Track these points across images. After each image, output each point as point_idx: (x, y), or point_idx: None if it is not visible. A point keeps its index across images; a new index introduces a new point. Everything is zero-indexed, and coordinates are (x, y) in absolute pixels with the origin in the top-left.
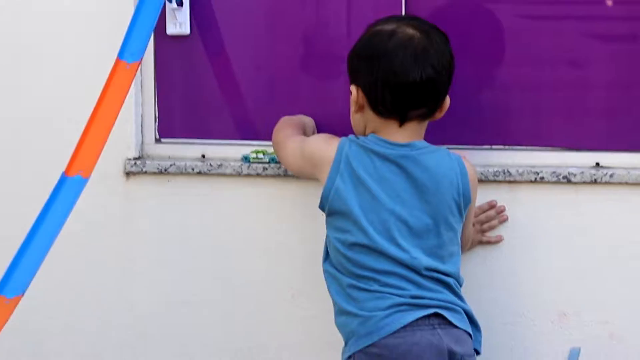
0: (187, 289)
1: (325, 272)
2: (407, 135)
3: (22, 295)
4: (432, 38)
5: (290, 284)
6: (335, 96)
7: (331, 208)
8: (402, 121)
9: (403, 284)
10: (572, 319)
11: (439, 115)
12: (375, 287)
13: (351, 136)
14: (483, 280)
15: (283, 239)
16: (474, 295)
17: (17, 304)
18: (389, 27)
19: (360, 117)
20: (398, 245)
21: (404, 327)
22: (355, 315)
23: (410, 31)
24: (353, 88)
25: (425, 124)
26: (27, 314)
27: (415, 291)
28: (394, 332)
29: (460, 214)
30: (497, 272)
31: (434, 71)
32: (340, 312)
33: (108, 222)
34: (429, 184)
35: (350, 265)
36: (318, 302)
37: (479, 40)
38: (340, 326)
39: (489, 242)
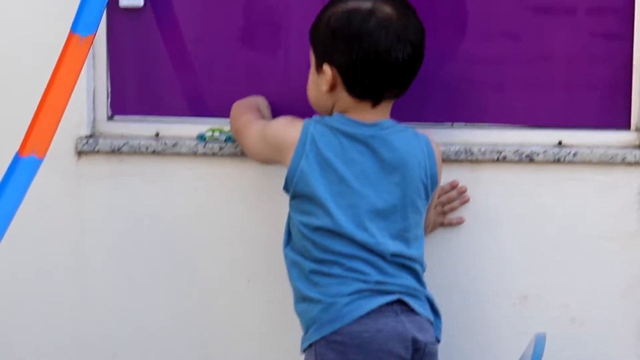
0: (139, 272)
1: (286, 257)
2: (377, 114)
3: None
4: (408, 15)
5: (246, 268)
6: (292, 68)
7: (296, 190)
8: (376, 102)
9: (367, 268)
10: (533, 302)
11: None
12: (339, 271)
13: (316, 117)
14: (444, 262)
15: (239, 221)
16: (435, 278)
17: None
18: (366, 5)
19: (329, 97)
20: (365, 229)
21: (368, 313)
22: (318, 301)
23: (388, 9)
24: (327, 67)
25: (392, 102)
26: None
27: (378, 277)
28: (357, 319)
29: (427, 197)
30: (458, 255)
31: (413, 50)
32: (301, 299)
33: (58, 203)
34: (397, 164)
35: (314, 249)
36: (275, 287)
37: (439, 14)
38: (300, 313)
39: (450, 224)
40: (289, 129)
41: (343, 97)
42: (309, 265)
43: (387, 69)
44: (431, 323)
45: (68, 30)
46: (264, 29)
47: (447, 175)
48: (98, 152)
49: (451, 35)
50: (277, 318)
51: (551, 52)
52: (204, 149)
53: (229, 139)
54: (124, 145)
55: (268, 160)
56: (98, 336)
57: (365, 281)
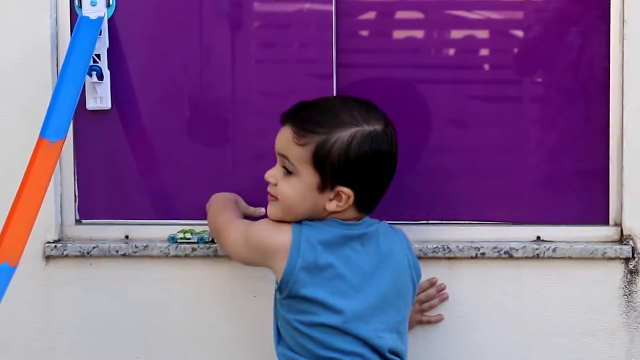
0: None
1: (282, 355)
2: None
3: None
4: None
5: None
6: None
7: (292, 293)
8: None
9: None
10: None
11: None
12: None
13: (304, 222)
14: None
15: (215, 322)
16: None
17: None
18: (378, 126)
19: (317, 208)
20: (367, 324)
21: None
22: None
23: (392, 129)
24: (345, 189)
25: None
26: None
27: None
28: None
29: (414, 288)
30: (437, 353)
31: None
32: None
33: (26, 310)
34: (388, 258)
35: (314, 346)
36: None
37: (412, 118)
38: None
39: (429, 322)
40: (276, 234)
41: (346, 210)
42: None
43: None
44: None
45: (38, 131)
46: (233, 129)
47: (425, 273)
48: (67, 256)
49: (431, 146)
50: None
51: (526, 146)
52: (175, 251)
53: (200, 240)
54: (93, 248)
55: (249, 262)
56: None
57: None
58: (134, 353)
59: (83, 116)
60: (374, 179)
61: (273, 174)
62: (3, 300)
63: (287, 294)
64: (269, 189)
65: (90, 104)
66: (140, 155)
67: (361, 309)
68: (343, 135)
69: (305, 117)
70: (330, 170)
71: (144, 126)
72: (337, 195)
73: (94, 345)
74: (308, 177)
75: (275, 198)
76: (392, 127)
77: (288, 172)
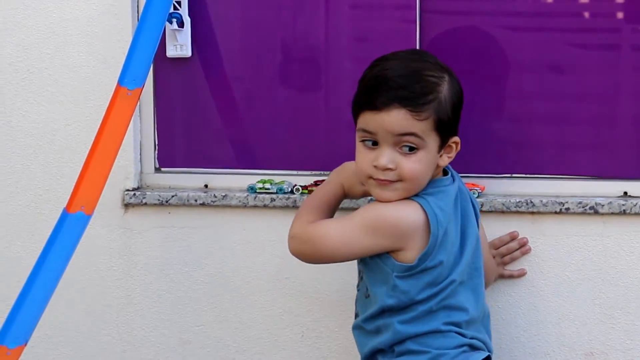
0: (189, 328)
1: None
2: None
3: (25, 344)
4: None
5: (299, 321)
6: (342, 108)
7: (428, 266)
8: None
9: (464, 325)
10: (600, 359)
11: None
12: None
13: (423, 193)
14: (506, 317)
15: (292, 273)
16: (497, 334)
17: (20, 354)
18: (446, 72)
19: (436, 166)
20: (474, 291)
21: None
22: (423, 352)
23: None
24: (458, 139)
25: None
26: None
27: (472, 333)
28: None
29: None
30: (520, 309)
31: None
32: (399, 353)
33: (105, 257)
34: (469, 209)
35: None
36: (330, 341)
37: (498, 63)
38: None
39: (511, 276)
40: (410, 212)
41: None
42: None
43: None
44: None
45: (116, 79)
46: (316, 75)
47: (508, 227)
48: (145, 204)
49: (512, 87)
50: None
51: (615, 103)
52: (254, 201)
53: (280, 191)
54: (172, 197)
55: (367, 252)
56: None
57: (464, 335)
58: (210, 303)
59: (163, 64)
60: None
61: (391, 159)
62: (82, 247)
63: (422, 268)
64: (384, 175)
65: (171, 52)
66: (220, 103)
67: (462, 269)
68: (443, 89)
69: (409, 93)
70: (448, 127)
71: (225, 74)
72: (448, 147)
73: (171, 294)
74: (433, 144)
75: (393, 181)
76: None
77: (410, 150)
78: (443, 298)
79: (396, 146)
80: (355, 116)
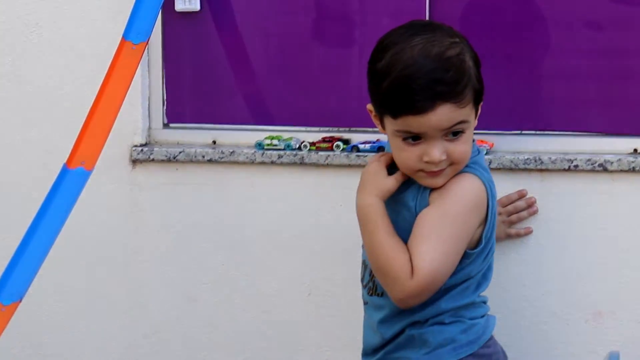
0: (196, 285)
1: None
2: None
3: (20, 301)
4: None
5: (306, 280)
6: (350, 64)
7: (490, 241)
8: None
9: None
10: (608, 318)
11: None
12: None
13: (477, 167)
14: (514, 276)
15: (299, 232)
16: (504, 293)
17: (14, 310)
18: (457, 37)
19: None
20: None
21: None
22: (455, 322)
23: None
24: (480, 104)
25: None
26: (25, 315)
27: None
28: (488, 340)
29: None
30: (528, 268)
31: None
32: (432, 323)
33: (113, 213)
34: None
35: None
36: (336, 299)
37: (510, 23)
38: (427, 333)
39: (518, 235)
40: (475, 183)
41: None
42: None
43: None
44: None
45: (121, 33)
46: (321, 28)
47: (516, 185)
48: (153, 160)
49: (521, 43)
50: (338, 332)
51: (627, 50)
52: (262, 157)
53: (287, 147)
54: (179, 153)
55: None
56: (149, 345)
57: (485, 302)
58: (218, 260)
59: (172, 18)
60: None
61: (442, 151)
62: (89, 203)
63: (485, 245)
64: (437, 167)
65: (179, 5)
66: (229, 58)
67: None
68: (468, 62)
69: (446, 86)
70: (480, 95)
71: (233, 28)
72: (475, 113)
73: (178, 251)
74: (473, 118)
75: (444, 168)
76: None
77: (454, 134)
78: (487, 270)
79: (444, 136)
80: (385, 116)
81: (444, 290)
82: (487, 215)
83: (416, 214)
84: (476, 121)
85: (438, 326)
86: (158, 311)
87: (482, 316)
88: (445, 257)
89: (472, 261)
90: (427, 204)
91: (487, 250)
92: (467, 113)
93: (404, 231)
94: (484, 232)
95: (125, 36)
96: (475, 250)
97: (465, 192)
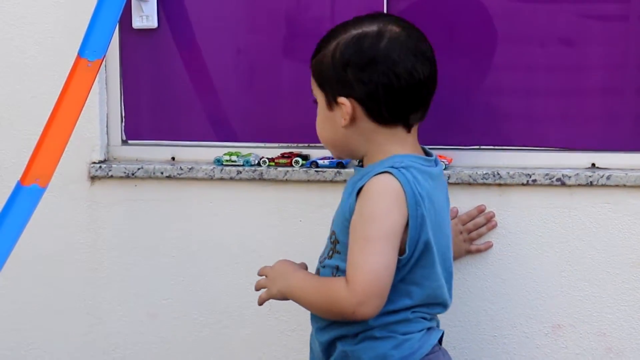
0: (156, 302)
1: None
2: (416, 142)
3: None
4: (417, 31)
5: None
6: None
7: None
8: (408, 126)
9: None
10: (567, 331)
11: None
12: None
13: (399, 171)
14: (473, 290)
15: (258, 246)
16: (464, 307)
17: None
18: (372, 27)
19: (347, 132)
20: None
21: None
22: (387, 337)
23: (395, 28)
24: (344, 99)
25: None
26: None
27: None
28: (428, 353)
29: None
30: (486, 281)
31: (431, 65)
32: (363, 339)
33: (71, 230)
34: (448, 203)
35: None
36: (298, 314)
37: (467, 35)
38: (359, 350)
39: (478, 251)
40: (397, 211)
41: (370, 128)
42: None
43: (411, 88)
44: None
45: (76, 50)
46: (284, 46)
47: (475, 200)
48: (112, 177)
49: (479, 57)
50: (299, 347)
51: (583, 74)
52: (220, 173)
53: (246, 163)
54: (138, 170)
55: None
56: None
57: (429, 320)
58: (177, 274)
59: (129, 35)
60: (369, 82)
61: None
62: (48, 221)
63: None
64: None
65: (137, 23)
66: (187, 75)
67: (446, 255)
68: (336, 43)
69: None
70: (324, 82)
71: (191, 45)
72: (339, 108)
73: (138, 268)
74: (319, 99)
75: None
76: (402, 28)
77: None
78: (421, 279)
79: None
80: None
81: None
82: (409, 217)
83: (349, 211)
84: (343, 118)
85: (369, 342)
86: (117, 328)
87: (420, 330)
88: (373, 256)
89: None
90: (353, 206)
91: (411, 258)
92: (318, 94)
93: (342, 213)
94: (408, 238)
95: (80, 53)
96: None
97: (379, 190)
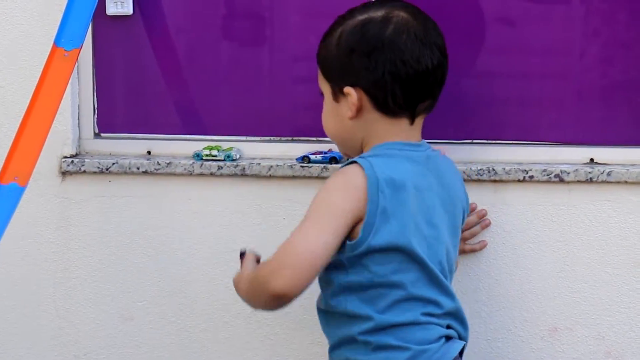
0: (130, 304)
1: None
2: (417, 134)
3: None
4: (426, 18)
5: None
6: (297, 75)
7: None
8: (413, 117)
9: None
10: (564, 334)
11: None
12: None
13: (369, 157)
14: (466, 292)
15: (238, 246)
16: None
17: None
18: (379, 13)
19: (355, 124)
20: (445, 273)
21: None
22: (401, 348)
23: (403, 14)
24: (350, 89)
25: (423, 119)
26: None
27: (449, 321)
28: None
29: (462, 223)
30: (481, 282)
31: (441, 54)
32: (374, 349)
33: (41, 227)
34: (449, 189)
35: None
36: (277, 317)
37: (461, 24)
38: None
39: (472, 251)
40: (342, 192)
41: (375, 119)
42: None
43: (418, 77)
44: None
45: (52, 39)
46: (267, 35)
47: (469, 196)
48: (84, 172)
49: (474, 48)
50: (281, 350)
51: (582, 65)
52: (200, 169)
53: (227, 158)
54: (112, 164)
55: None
56: None
57: (441, 326)
58: (154, 275)
59: (103, 22)
60: (375, 70)
61: None
62: (17, 218)
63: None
64: None
65: (111, 9)
66: (164, 64)
67: (439, 251)
68: (341, 29)
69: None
70: (329, 72)
71: (168, 32)
72: (346, 98)
73: (111, 268)
74: (324, 90)
75: None
76: (410, 14)
77: None
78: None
79: None
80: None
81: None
82: (368, 202)
83: None
84: (350, 109)
85: (383, 352)
86: (90, 331)
87: (438, 340)
88: (298, 232)
89: (355, 263)
90: None
91: (370, 244)
92: (324, 84)
93: None
94: (363, 223)
95: (56, 42)
96: (349, 243)
97: (332, 176)
